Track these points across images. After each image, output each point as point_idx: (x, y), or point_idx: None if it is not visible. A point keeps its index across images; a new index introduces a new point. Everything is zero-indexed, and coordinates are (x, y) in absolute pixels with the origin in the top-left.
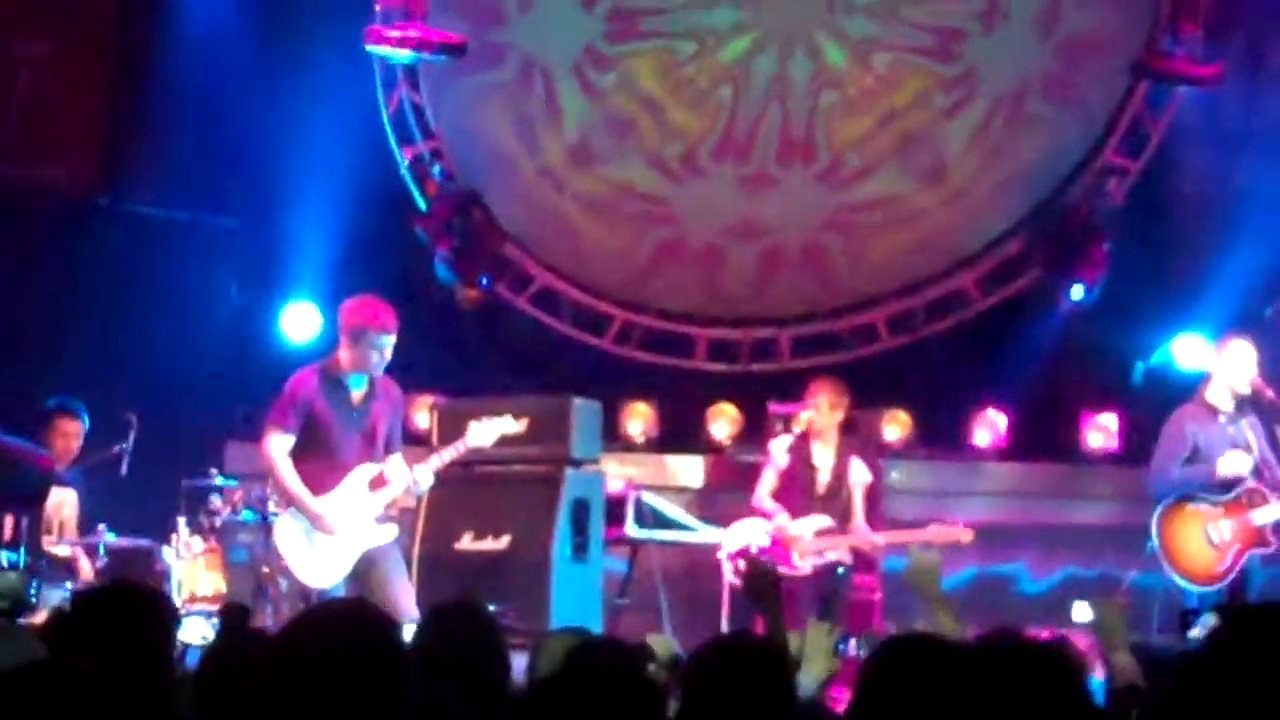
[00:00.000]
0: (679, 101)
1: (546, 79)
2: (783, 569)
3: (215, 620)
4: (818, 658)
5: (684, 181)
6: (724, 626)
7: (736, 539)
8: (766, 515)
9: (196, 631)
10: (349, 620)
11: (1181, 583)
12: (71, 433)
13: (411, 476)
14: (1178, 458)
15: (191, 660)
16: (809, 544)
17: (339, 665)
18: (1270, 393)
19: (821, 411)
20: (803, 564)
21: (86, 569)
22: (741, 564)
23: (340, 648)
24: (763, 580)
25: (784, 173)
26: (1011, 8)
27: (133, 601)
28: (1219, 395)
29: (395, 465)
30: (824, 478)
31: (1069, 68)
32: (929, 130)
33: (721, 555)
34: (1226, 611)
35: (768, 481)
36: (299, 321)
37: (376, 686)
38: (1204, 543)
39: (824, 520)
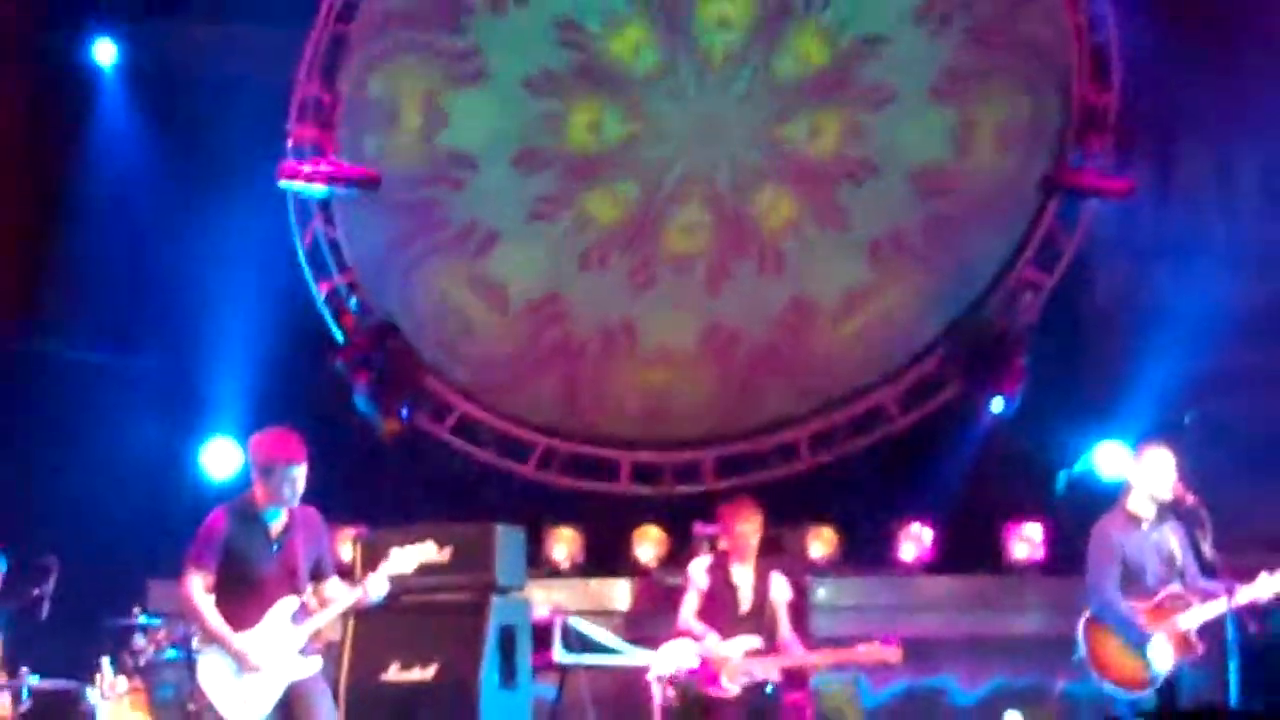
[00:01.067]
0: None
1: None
2: (711, 691)
3: None
4: None
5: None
6: None
7: (665, 661)
8: (695, 637)
9: None
10: None
11: (1110, 690)
12: None
13: (360, 590)
14: (1112, 570)
15: None
16: (738, 665)
17: None
18: (1190, 498)
19: (736, 533)
20: (731, 685)
21: (10, 713)
22: (670, 691)
23: None
24: (690, 705)
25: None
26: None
27: None
28: (1140, 504)
29: (335, 586)
30: (745, 596)
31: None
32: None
33: (651, 677)
34: (1154, 716)
35: (691, 603)
36: (220, 458)
37: None
38: (1130, 650)
39: (752, 641)
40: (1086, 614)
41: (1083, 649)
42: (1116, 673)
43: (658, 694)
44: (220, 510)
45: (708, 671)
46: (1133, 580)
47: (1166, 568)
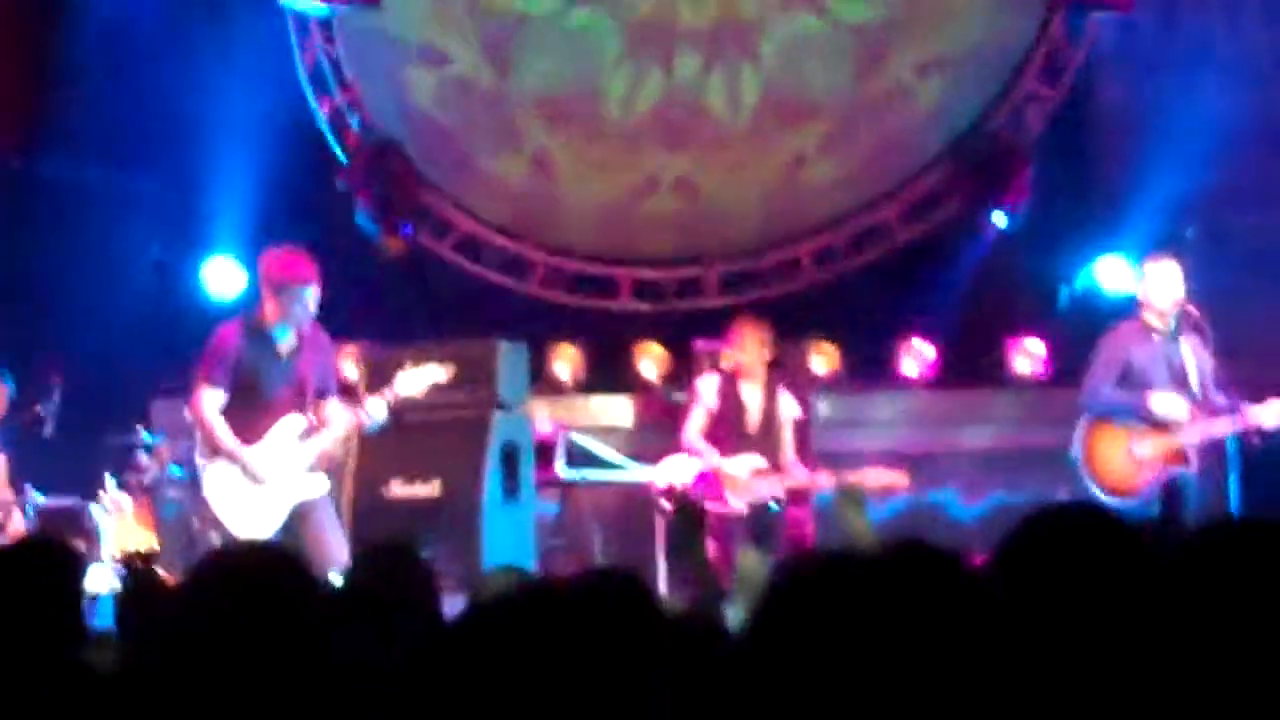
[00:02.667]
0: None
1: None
2: (716, 506)
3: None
4: (751, 588)
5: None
6: (660, 561)
7: (666, 476)
8: (698, 455)
9: (104, 581)
10: (257, 563)
11: (1100, 495)
12: None
13: (359, 413)
14: (1111, 376)
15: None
16: (744, 482)
17: (248, 608)
18: (1194, 310)
19: (747, 351)
20: (737, 502)
21: (18, 527)
22: (665, 503)
23: (248, 591)
24: (688, 516)
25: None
26: None
27: (34, 555)
28: (1154, 316)
29: (334, 408)
30: (754, 416)
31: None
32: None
33: (654, 492)
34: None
35: (697, 421)
36: (221, 277)
37: (290, 630)
38: (1126, 456)
39: (758, 460)
40: (1084, 416)
41: (1078, 450)
42: (1107, 479)
43: (663, 506)
44: (231, 325)
45: (712, 488)
46: (1135, 387)
47: (1175, 382)
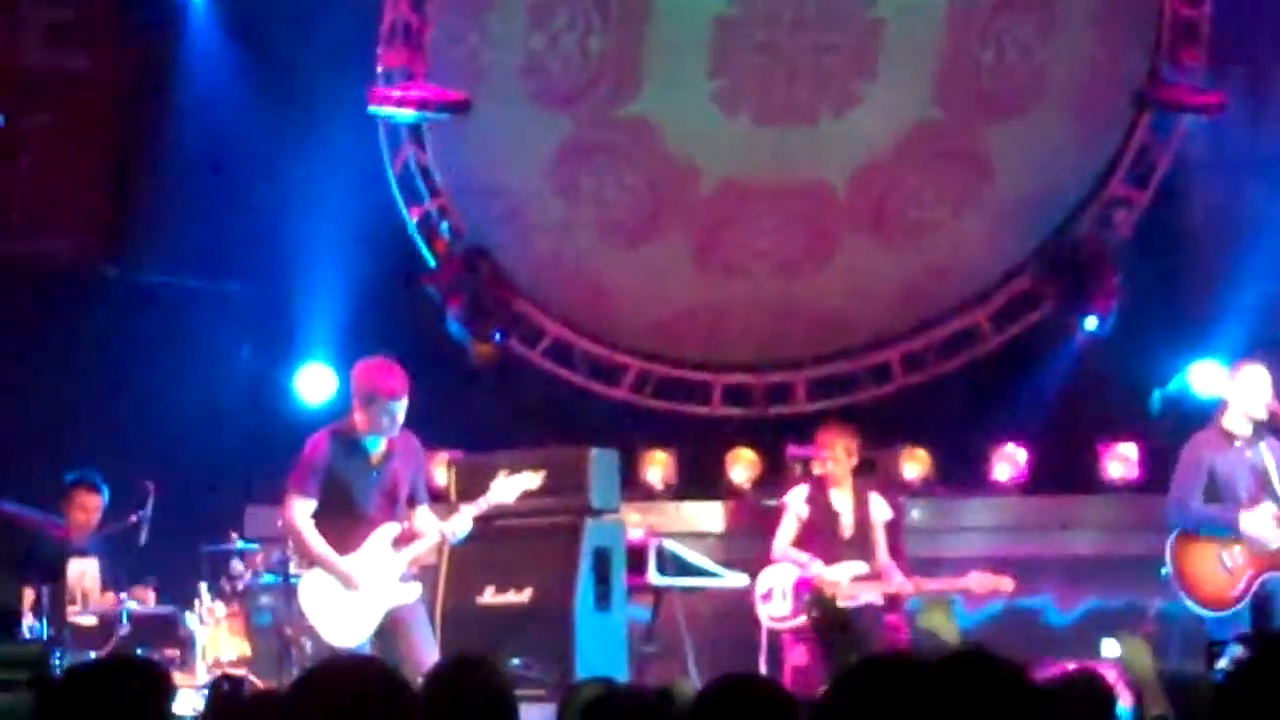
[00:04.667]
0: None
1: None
2: None
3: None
4: None
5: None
6: (762, 668)
7: (766, 584)
8: (798, 564)
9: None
10: (355, 676)
11: (1196, 609)
12: (91, 506)
13: (446, 526)
14: (1196, 486)
15: None
16: (847, 590)
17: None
18: None
19: (835, 458)
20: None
21: (112, 638)
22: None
23: (346, 703)
24: (836, 619)
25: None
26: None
27: (123, 675)
28: (1235, 421)
29: (424, 517)
30: (847, 521)
31: (1074, 100)
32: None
33: (759, 595)
34: (1254, 641)
35: (788, 531)
36: (314, 384)
37: None
38: (1218, 567)
39: (860, 567)
40: (1174, 531)
41: (1170, 565)
42: (1202, 591)
43: (764, 614)
44: (321, 435)
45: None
46: (1223, 496)
47: (1259, 486)
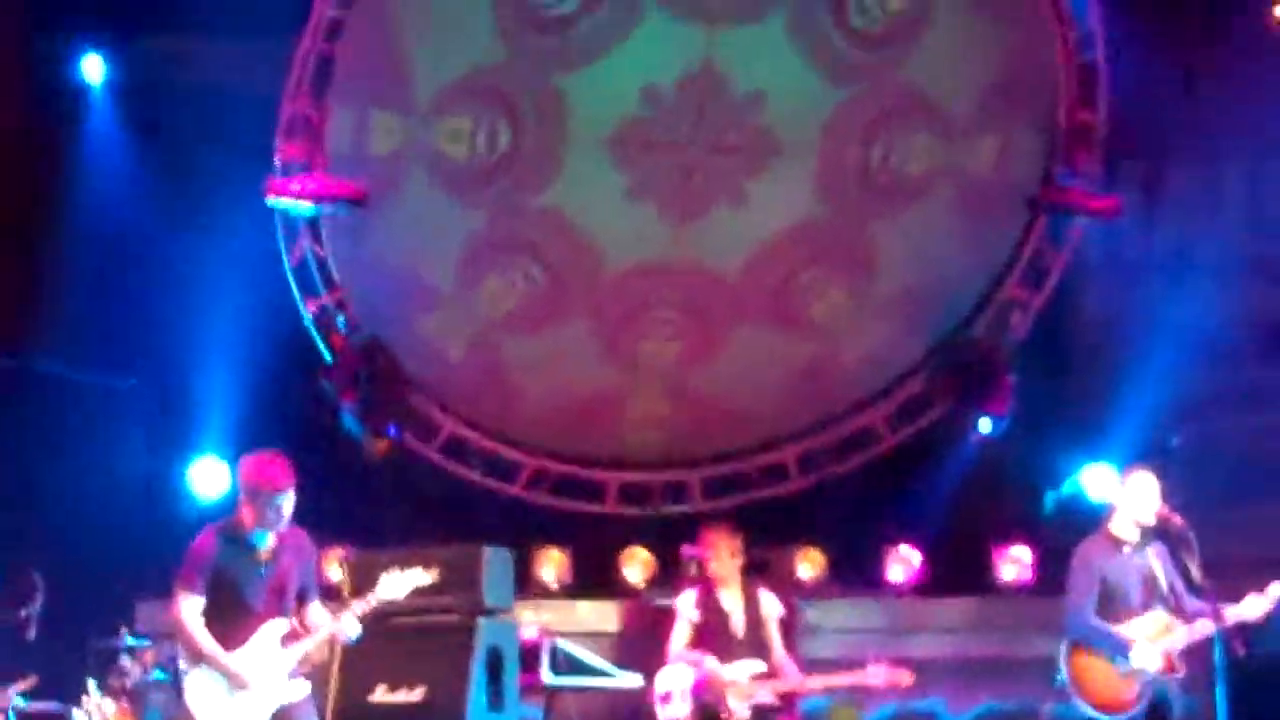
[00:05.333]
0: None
1: None
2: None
3: None
4: None
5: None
6: None
7: (664, 684)
8: (693, 663)
9: None
10: None
11: (1093, 714)
12: None
13: (335, 624)
14: (1090, 594)
15: None
16: (744, 688)
17: None
18: (1177, 519)
19: (719, 558)
20: (740, 708)
21: None
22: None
23: None
24: None
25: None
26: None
27: None
28: (1123, 527)
29: (316, 613)
30: (738, 621)
31: (967, 200)
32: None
33: (657, 698)
34: None
35: (682, 635)
36: (207, 477)
37: None
38: (1113, 672)
39: (757, 665)
40: (1067, 638)
41: (1064, 672)
42: (1099, 696)
43: (661, 714)
44: (208, 531)
45: (711, 696)
46: (1115, 603)
47: (1148, 591)
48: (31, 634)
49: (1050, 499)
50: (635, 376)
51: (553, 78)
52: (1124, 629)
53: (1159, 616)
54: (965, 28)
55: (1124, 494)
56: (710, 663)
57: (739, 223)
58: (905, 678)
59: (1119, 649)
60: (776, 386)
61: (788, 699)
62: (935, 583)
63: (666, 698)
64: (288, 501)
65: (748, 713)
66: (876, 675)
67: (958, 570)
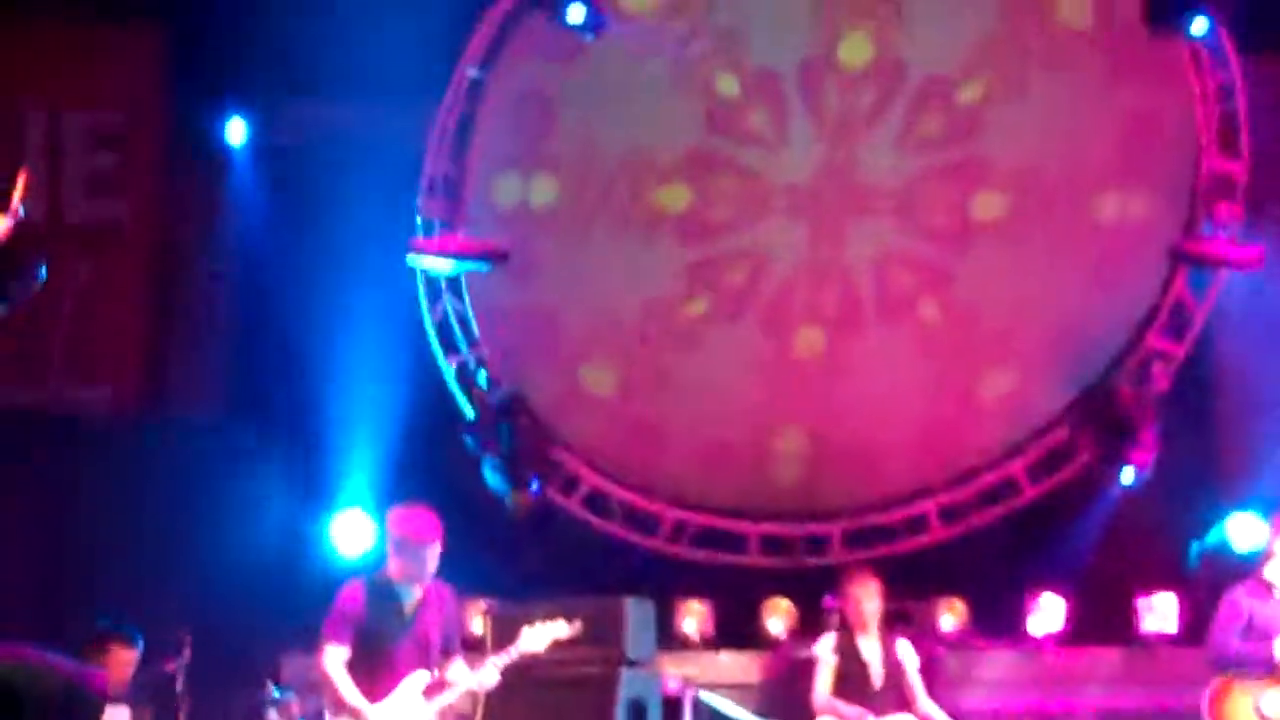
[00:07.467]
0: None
1: None
2: None
3: None
4: None
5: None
6: None
7: None
8: (841, 715)
9: None
10: None
11: None
12: (125, 660)
13: (476, 678)
14: (1235, 630)
15: None
16: None
17: None
18: None
19: (859, 605)
20: None
21: None
22: None
23: None
24: None
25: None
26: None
27: None
28: (1275, 572)
29: (458, 669)
30: (876, 671)
31: (1110, 255)
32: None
33: None
34: None
35: (825, 680)
36: (350, 530)
37: None
38: (1254, 716)
39: (907, 719)
40: (1210, 684)
41: (1206, 711)
42: None
43: None
44: (356, 583)
45: None
46: (1259, 646)
47: None
48: (180, 687)
49: (1195, 549)
50: (783, 398)
51: None
52: None
53: None
54: (1104, 78)
55: (1274, 539)
56: (864, 717)
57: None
58: None
59: (1263, 655)
60: (918, 436)
61: None
62: (1079, 633)
63: None
64: (434, 553)
65: None
66: None
67: (1102, 621)
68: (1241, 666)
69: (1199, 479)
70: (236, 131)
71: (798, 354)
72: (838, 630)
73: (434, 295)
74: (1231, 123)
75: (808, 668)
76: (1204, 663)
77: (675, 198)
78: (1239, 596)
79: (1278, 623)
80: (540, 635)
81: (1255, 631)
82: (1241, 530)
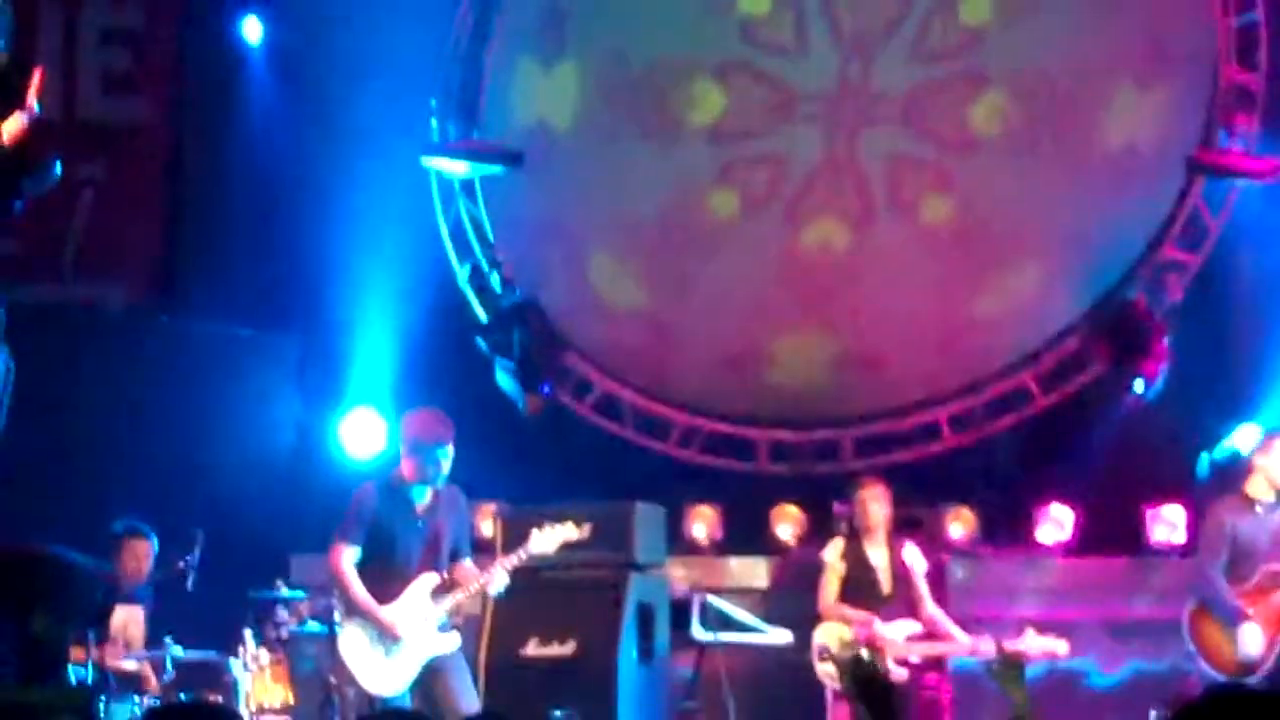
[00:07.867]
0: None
1: None
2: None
3: None
4: None
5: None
6: None
7: (823, 639)
8: (851, 620)
9: None
10: None
11: (1213, 675)
12: (142, 554)
13: (483, 579)
14: (1219, 554)
15: None
16: (902, 649)
17: None
18: None
19: (867, 511)
20: (897, 669)
21: (154, 683)
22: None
23: None
24: (875, 684)
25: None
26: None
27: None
28: (1259, 487)
29: (465, 570)
30: (884, 577)
31: (1126, 165)
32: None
33: (816, 652)
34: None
35: (831, 586)
36: (361, 430)
37: None
38: (1226, 632)
39: (912, 625)
40: (1189, 602)
41: (1189, 641)
42: (1221, 660)
43: (821, 671)
44: (369, 485)
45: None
46: (1242, 562)
47: (1277, 550)
48: (190, 585)
49: (1204, 460)
50: (796, 306)
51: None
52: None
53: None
54: None
55: (1264, 457)
56: (876, 623)
57: None
58: (1061, 647)
59: (1232, 619)
60: (931, 345)
61: (935, 659)
62: (1087, 543)
63: (824, 652)
64: (447, 456)
65: (905, 673)
66: (1033, 644)
67: (1110, 531)
68: (1216, 611)
69: (1210, 390)
70: (252, 29)
71: (812, 260)
72: (846, 537)
73: (448, 198)
74: (1251, 34)
75: (815, 573)
76: (1186, 584)
77: (703, 105)
78: (1221, 513)
79: (1259, 538)
80: (550, 538)
81: (1239, 546)
82: (1250, 441)
